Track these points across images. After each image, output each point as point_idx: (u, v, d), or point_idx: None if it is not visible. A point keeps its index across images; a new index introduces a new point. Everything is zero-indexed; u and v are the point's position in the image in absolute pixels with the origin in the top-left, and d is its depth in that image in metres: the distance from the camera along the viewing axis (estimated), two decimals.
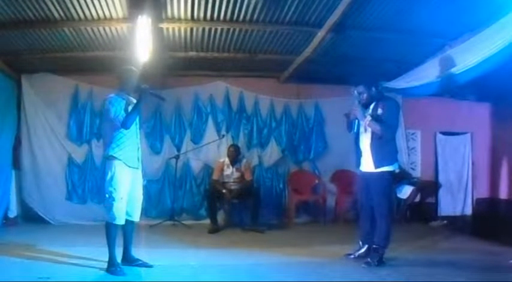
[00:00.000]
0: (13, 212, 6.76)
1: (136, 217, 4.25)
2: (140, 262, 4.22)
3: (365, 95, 4.53)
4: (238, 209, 7.08)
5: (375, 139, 4.44)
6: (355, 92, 4.58)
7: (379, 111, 4.45)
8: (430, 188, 8.03)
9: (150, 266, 4.19)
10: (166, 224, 6.79)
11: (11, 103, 6.96)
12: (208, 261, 4.60)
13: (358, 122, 4.58)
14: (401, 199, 7.46)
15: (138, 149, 4.22)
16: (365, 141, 4.54)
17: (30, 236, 5.76)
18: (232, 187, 6.78)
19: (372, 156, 4.45)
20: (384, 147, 4.42)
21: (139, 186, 4.25)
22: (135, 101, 4.14)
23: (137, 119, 4.20)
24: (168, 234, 6.17)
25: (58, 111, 7.31)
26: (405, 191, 7.43)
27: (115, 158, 4.00)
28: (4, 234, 5.87)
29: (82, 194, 7.26)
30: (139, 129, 4.32)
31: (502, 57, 4.28)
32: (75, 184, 7.26)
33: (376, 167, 4.42)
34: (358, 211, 4.87)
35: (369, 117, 4.45)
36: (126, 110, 4.05)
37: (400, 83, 6.26)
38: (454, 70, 5.03)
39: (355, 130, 4.65)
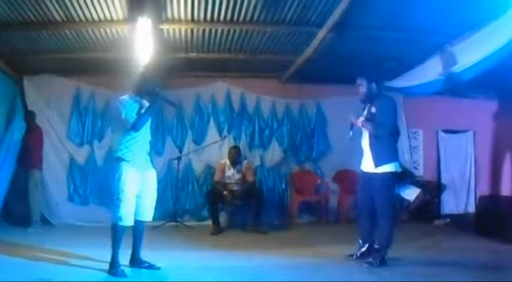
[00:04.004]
0: None
1: (146, 217, 4.21)
2: (147, 264, 4.19)
3: (364, 89, 4.48)
4: (240, 210, 7.05)
5: (372, 138, 4.44)
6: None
7: (373, 110, 4.44)
8: (433, 187, 8.00)
9: (158, 269, 4.14)
10: (169, 225, 6.78)
11: (18, 104, 7.02)
12: (210, 263, 4.58)
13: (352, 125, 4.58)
14: (404, 199, 7.43)
15: (148, 152, 4.18)
16: (365, 141, 4.54)
17: (32, 236, 5.81)
18: (234, 188, 6.77)
19: (372, 155, 4.44)
20: (382, 146, 4.40)
21: (151, 187, 4.19)
22: (147, 104, 4.11)
23: (148, 123, 4.18)
24: (170, 235, 6.18)
25: (60, 112, 7.35)
26: (411, 193, 7.37)
27: (123, 159, 3.97)
28: (6, 233, 5.91)
29: (84, 195, 7.29)
30: (150, 132, 4.30)
31: (503, 54, 4.28)
32: (76, 185, 7.30)
33: (376, 166, 4.40)
34: (358, 210, 4.85)
35: (361, 118, 4.45)
36: (138, 113, 4.01)
37: (401, 82, 6.25)
38: (455, 68, 5.04)
39: (350, 135, 4.59)
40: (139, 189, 4.07)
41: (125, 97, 4.09)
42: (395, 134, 4.59)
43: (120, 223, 3.96)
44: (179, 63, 6.88)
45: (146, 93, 4.14)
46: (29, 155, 6.69)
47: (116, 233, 3.97)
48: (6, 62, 6.63)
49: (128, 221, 3.99)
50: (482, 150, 8.35)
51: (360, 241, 4.63)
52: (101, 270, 4.02)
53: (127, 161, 3.98)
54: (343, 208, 7.49)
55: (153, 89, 4.16)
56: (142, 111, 4.05)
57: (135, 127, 3.97)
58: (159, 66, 6.17)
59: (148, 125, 4.23)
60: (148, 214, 4.22)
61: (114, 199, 3.98)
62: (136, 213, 4.07)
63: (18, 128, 6.75)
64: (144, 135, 4.14)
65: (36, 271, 3.96)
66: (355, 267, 4.31)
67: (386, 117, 4.40)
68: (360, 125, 4.46)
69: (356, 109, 4.62)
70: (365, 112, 4.51)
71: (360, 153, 4.62)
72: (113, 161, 4.08)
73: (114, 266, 3.94)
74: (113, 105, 4.21)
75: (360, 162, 4.62)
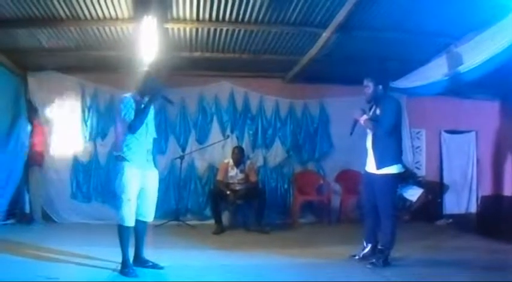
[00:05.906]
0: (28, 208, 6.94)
1: (148, 217, 4.21)
2: (151, 264, 4.19)
3: (370, 90, 4.51)
4: (242, 209, 7.07)
5: (376, 139, 4.45)
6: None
7: (378, 111, 4.48)
8: (435, 187, 8.01)
9: (161, 268, 4.15)
10: (171, 224, 6.78)
11: (22, 100, 7.07)
12: (212, 262, 4.59)
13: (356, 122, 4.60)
14: (406, 199, 7.44)
15: (148, 151, 4.12)
16: (368, 141, 4.55)
17: (36, 233, 5.86)
18: (237, 188, 6.79)
19: (374, 156, 4.46)
20: (385, 148, 4.41)
21: (152, 186, 4.17)
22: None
23: (149, 121, 4.15)
24: (173, 234, 6.18)
25: (63, 109, 7.33)
26: (413, 193, 7.37)
27: (124, 159, 3.97)
28: (8, 231, 5.97)
29: (87, 192, 7.30)
30: (155, 130, 4.29)
31: (506, 56, 4.28)
32: (79, 183, 7.31)
33: (378, 167, 4.41)
34: (363, 210, 4.87)
35: (365, 116, 4.47)
36: (136, 113, 4.00)
37: (405, 82, 6.24)
38: (459, 69, 5.03)
39: (352, 132, 4.60)
40: (139, 189, 4.06)
41: (127, 95, 4.07)
42: (398, 135, 4.59)
43: (123, 224, 3.97)
44: (183, 62, 6.88)
45: (149, 92, 4.13)
46: (29, 152, 6.78)
47: (121, 234, 3.99)
48: (10, 58, 6.64)
49: (130, 221, 4.00)
50: (485, 150, 8.35)
51: (364, 242, 4.65)
52: (106, 268, 4.05)
53: (128, 161, 3.97)
54: (346, 208, 7.49)
55: (156, 87, 4.16)
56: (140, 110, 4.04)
57: (131, 129, 3.97)
58: (163, 65, 6.19)
59: (152, 122, 4.21)
60: (149, 214, 4.22)
61: (116, 199, 3.99)
62: (137, 213, 4.06)
63: (24, 125, 6.82)
64: (145, 133, 4.10)
65: (42, 270, 3.95)
66: (358, 268, 4.32)
67: (386, 117, 4.41)
68: (362, 122, 4.48)
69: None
70: (370, 113, 4.54)
71: (364, 153, 4.63)
72: (114, 160, 4.09)
73: (125, 266, 3.95)
74: (117, 103, 4.21)
75: (364, 162, 4.64)
